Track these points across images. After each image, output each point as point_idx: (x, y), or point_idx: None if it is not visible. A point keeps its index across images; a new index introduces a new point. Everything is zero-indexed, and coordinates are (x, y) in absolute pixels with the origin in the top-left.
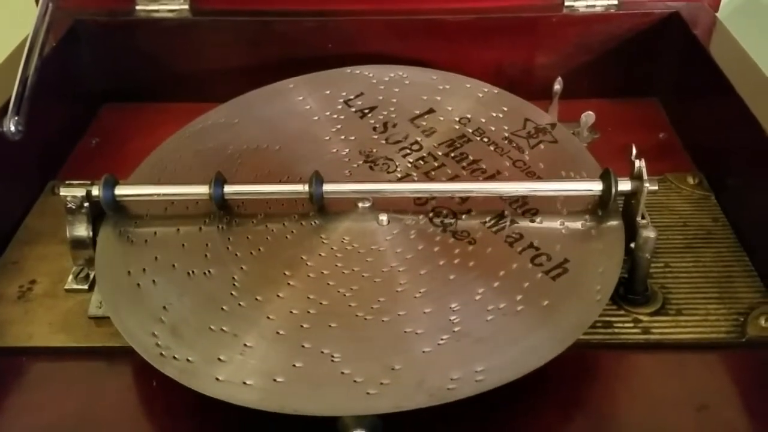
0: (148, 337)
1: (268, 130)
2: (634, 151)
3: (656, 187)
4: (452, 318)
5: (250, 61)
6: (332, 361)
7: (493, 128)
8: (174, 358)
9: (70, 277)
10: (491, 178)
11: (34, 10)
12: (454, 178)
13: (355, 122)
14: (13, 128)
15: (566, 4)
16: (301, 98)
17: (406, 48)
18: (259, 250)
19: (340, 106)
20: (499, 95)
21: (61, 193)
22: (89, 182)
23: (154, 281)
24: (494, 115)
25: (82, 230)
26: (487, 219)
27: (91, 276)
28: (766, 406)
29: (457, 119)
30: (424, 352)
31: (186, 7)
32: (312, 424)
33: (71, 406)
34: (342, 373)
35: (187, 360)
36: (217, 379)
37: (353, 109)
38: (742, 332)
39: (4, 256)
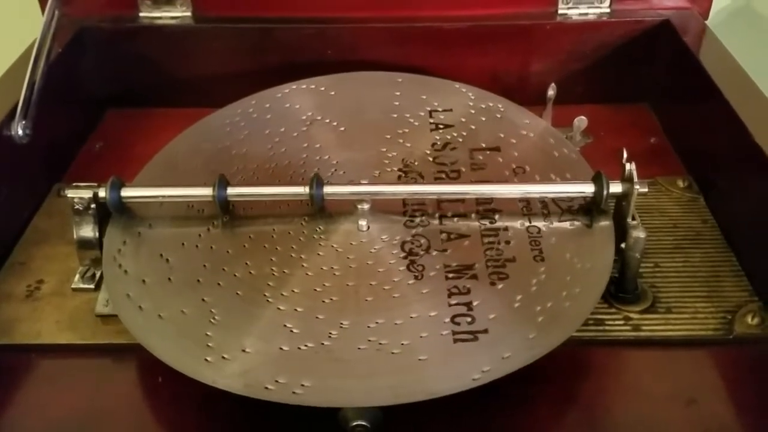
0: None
1: (351, 109)
2: (625, 155)
3: (646, 189)
4: (332, 332)
5: (251, 67)
6: (210, 321)
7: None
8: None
9: (77, 276)
10: (495, 231)
11: (41, 17)
12: (460, 215)
13: (422, 132)
14: (20, 132)
15: (560, 12)
16: (398, 93)
17: (404, 54)
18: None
19: (423, 113)
20: (578, 162)
21: (68, 195)
22: (96, 184)
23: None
24: (553, 177)
25: (88, 231)
26: (453, 264)
27: (98, 275)
28: (752, 400)
29: (514, 166)
30: (280, 348)
31: (189, 14)
32: (312, 415)
33: (78, 402)
34: (206, 334)
35: (127, 295)
36: (140, 307)
37: (431, 120)
38: (730, 330)
39: (12, 257)
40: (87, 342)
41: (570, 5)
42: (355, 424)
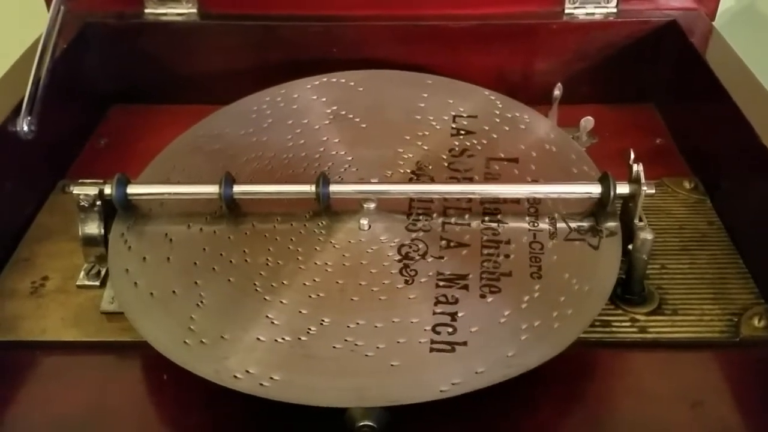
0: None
1: (376, 106)
2: (632, 156)
3: (653, 191)
4: (311, 328)
5: (255, 65)
6: (197, 305)
7: (551, 201)
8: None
9: (82, 273)
10: (497, 243)
11: (46, 12)
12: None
13: (442, 136)
14: (26, 128)
15: (566, 11)
16: (425, 95)
17: (409, 53)
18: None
19: (446, 117)
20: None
21: (74, 192)
22: (101, 181)
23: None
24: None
25: (94, 228)
26: (447, 273)
27: (103, 272)
28: (758, 402)
29: (529, 179)
30: (258, 339)
31: (194, 11)
32: (318, 415)
33: (83, 398)
34: (191, 317)
35: (126, 270)
36: (135, 283)
37: (453, 125)
38: (736, 332)
39: (16, 253)
40: (92, 339)
41: (577, 5)
42: (361, 424)
